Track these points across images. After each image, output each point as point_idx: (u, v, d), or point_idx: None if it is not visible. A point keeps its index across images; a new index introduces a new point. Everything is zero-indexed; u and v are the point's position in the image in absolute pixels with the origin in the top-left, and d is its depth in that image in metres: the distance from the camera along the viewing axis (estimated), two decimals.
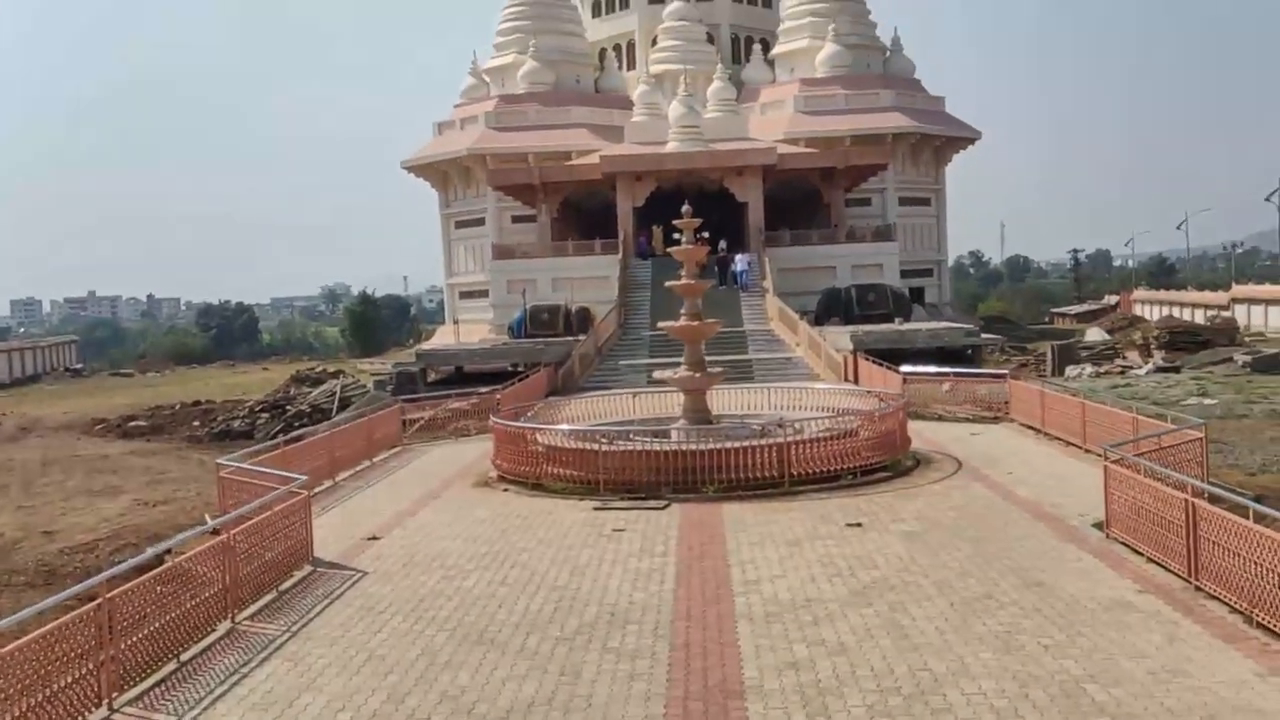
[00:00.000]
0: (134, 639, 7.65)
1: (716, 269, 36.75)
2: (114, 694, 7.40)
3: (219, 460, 14.08)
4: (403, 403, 22.78)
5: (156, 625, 7.90)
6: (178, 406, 36.74)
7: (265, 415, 31.65)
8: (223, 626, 9.00)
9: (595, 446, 14.76)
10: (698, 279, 18.26)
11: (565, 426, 16.51)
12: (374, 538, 12.50)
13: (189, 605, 8.41)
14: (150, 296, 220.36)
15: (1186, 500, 9.26)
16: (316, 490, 15.87)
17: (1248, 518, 8.37)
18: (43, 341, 74.95)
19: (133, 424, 34.00)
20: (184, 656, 8.30)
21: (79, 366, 67.57)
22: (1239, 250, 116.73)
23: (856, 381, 24.97)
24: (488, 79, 60.05)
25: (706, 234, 41.99)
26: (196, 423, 33.02)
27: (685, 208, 18.03)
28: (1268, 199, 68.89)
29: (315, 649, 8.51)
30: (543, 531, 12.47)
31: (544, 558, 11.14)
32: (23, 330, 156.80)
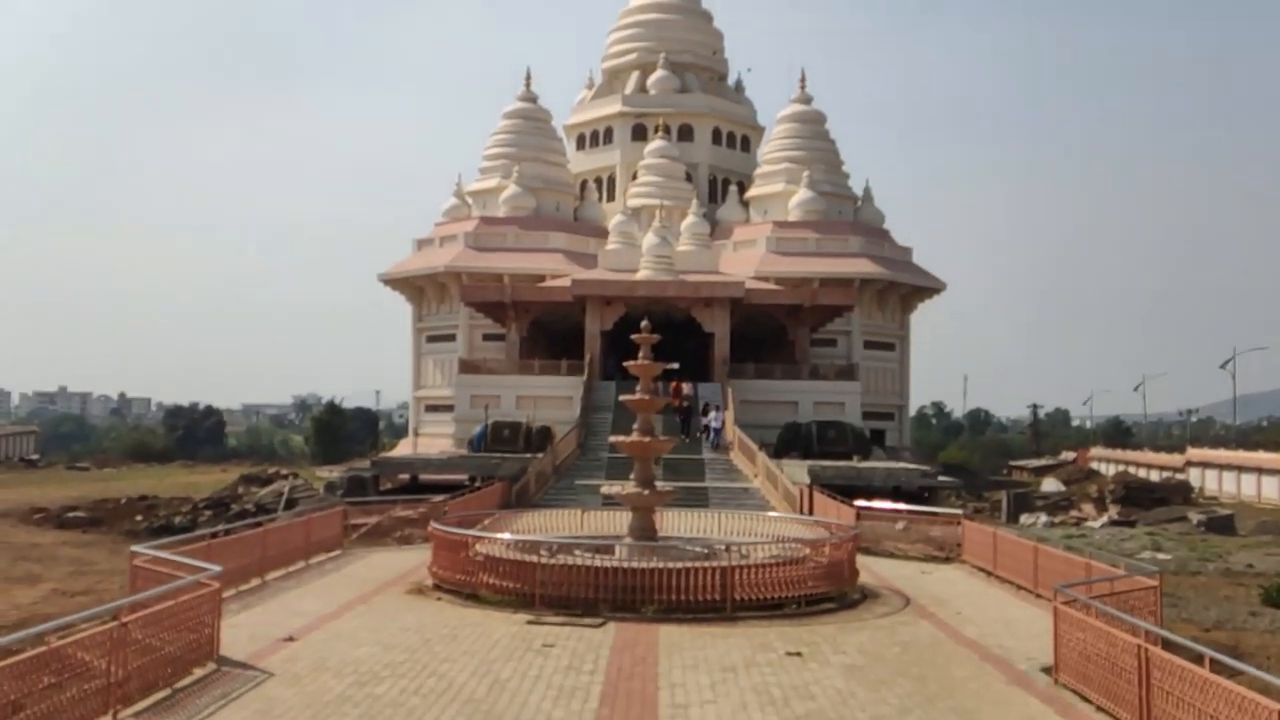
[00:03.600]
0: None
1: (679, 420, 35.45)
2: None
3: (133, 548, 13.45)
4: (346, 506, 22.17)
5: (25, 716, 7.26)
6: (122, 500, 35.87)
7: (209, 513, 30.85)
8: None
9: (533, 559, 14.29)
10: (653, 395, 18.12)
11: (505, 535, 16.02)
12: (290, 639, 11.88)
13: (67, 696, 7.77)
14: (122, 395, 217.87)
15: (1140, 646, 8.94)
16: (242, 588, 15.24)
17: (1204, 668, 8.03)
18: (1, 430, 73.82)
19: (71, 515, 33.00)
20: None
21: (35, 457, 66.33)
22: (1194, 418, 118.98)
23: (811, 514, 24.65)
24: (470, 200, 61.26)
25: (676, 365, 42.49)
26: (139, 517, 32.17)
27: (644, 323, 18.03)
28: (1222, 367, 70.54)
29: None
30: (469, 643, 11.91)
31: (465, 669, 10.58)
32: None
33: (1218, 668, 7.95)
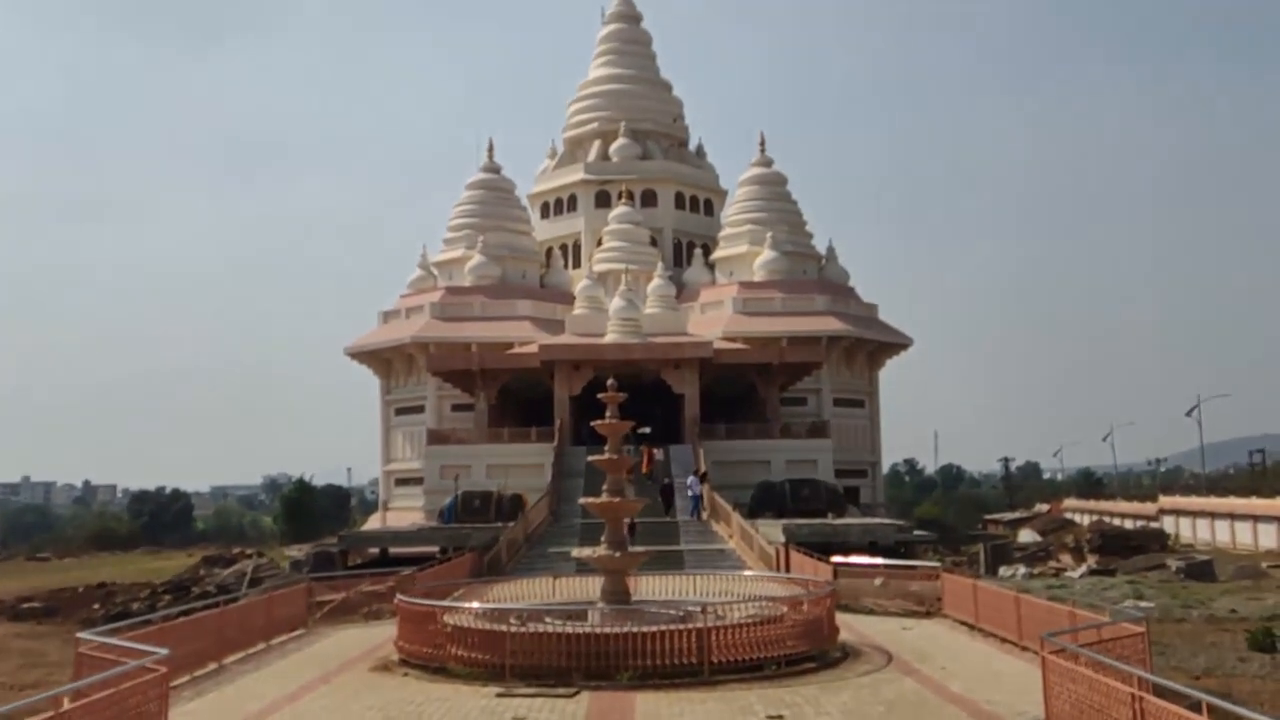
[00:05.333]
0: None
1: (660, 499, 33.24)
2: None
3: (79, 634, 12.79)
4: (310, 582, 21.44)
5: None
6: (80, 589, 34.85)
7: (169, 597, 29.95)
8: None
9: (503, 628, 13.75)
10: (621, 454, 17.76)
11: (473, 605, 15.47)
12: None
13: None
14: (86, 483, 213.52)
15: (1134, 695, 8.60)
16: (197, 673, 14.54)
17: (1203, 716, 7.66)
18: None
19: (26, 606, 31.95)
20: None
21: None
22: (1163, 467, 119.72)
23: (788, 572, 24.20)
24: (435, 271, 61.14)
25: (648, 429, 41.99)
26: (96, 605, 31.25)
27: (610, 382, 17.75)
28: (1188, 414, 71.13)
29: None
30: None
31: None
32: None
33: (1216, 715, 7.62)
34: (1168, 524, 52.79)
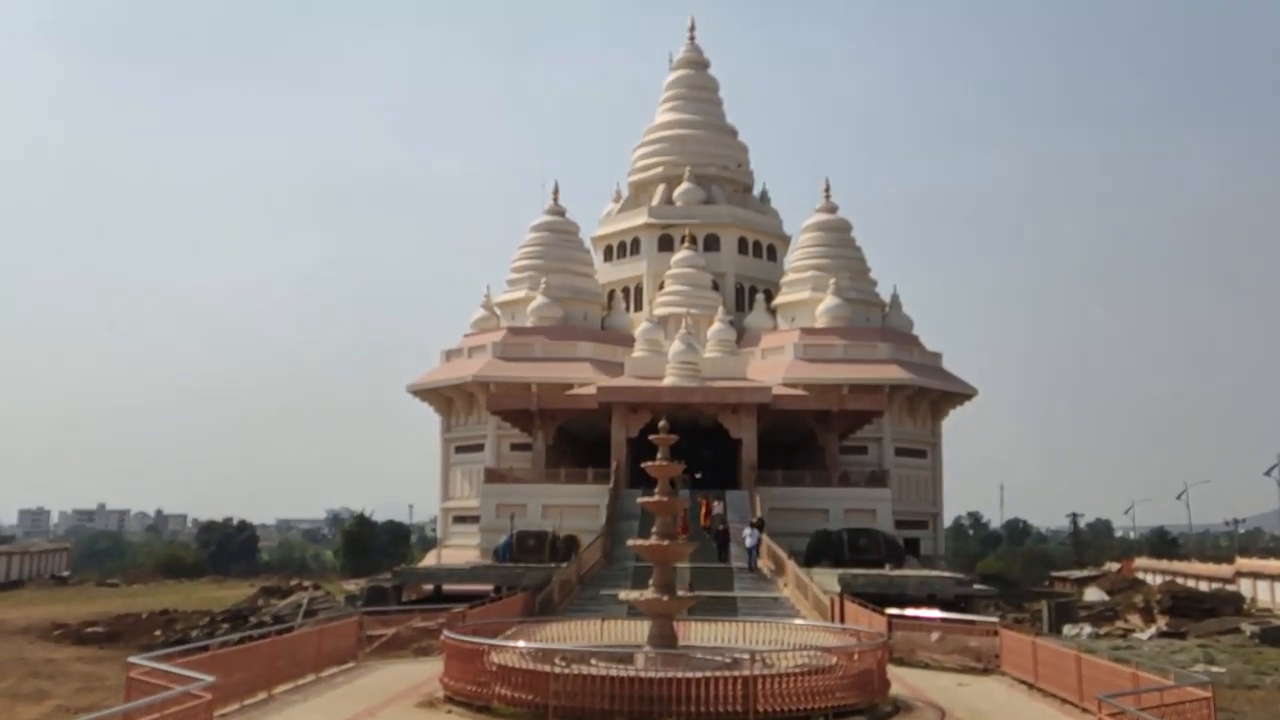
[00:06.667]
0: None
1: (715, 545, 33.03)
2: None
3: (130, 659, 13.04)
4: (363, 616, 21.62)
5: None
6: (144, 615, 35.52)
7: (226, 625, 30.41)
8: None
9: (547, 668, 13.69)
10: (672, 496, 17.66)
11: (519, 644, 15.43)
12: None
13: None
14: (159, 512, 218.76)
15: None
16: (247, 702, 14.72)
17: None
18: (34, 548, 74.94)
19: (90, 630, 32.70)
20: None
21: (66, 574, 66.66)
22: (1241, 528, 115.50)
23: (842, 622, 23.76)
24: (498, 311, 61.92)
25: (699, 474, 41.67)
26: (158, 632, 31.85)
27: (662, 424, 17.72)
28: (1267, 473, 68.71)
29: None
30: None
31: None
32: (26, 538, 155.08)
33: None
34: (1244, 587, 50.71)
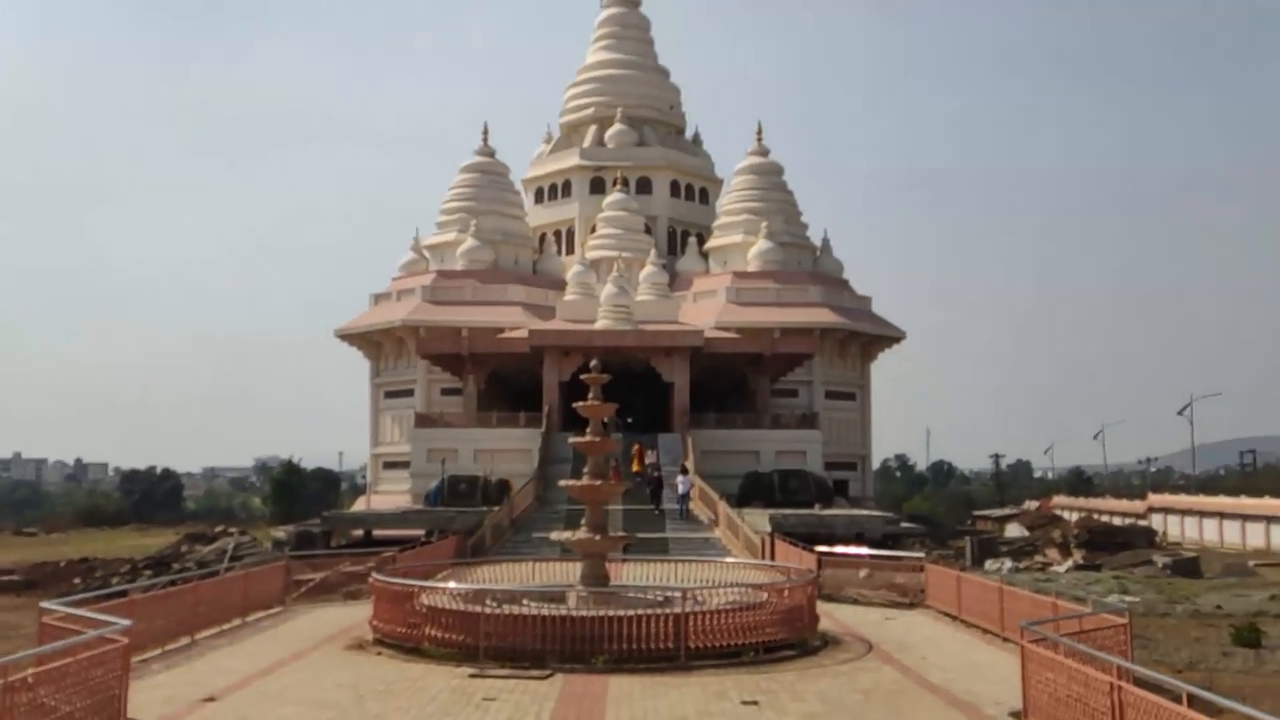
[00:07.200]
0: None
1: (649, 491, 32.73)
2: None
3: (43, 604, 12.60)
4: (290, 560, 21.25)
5: None
6: (62, 564, 34.57)
7: (149, 572, 29.73)
8: None
9: (478, 609, 13.56)
10: (604, 436, 17.55)
11: (449, 585, 15.28)
12: (210, 699, 11.06)
13: None
14: (78, 461, 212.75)
15: (1114, 684, 8.41)
16: (169, 647, 14.37)
17: (1183, 706, 7.44)
18: None
19: (5, 578, 31.72)
20: None
21: None
22: (1153, 467, 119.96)
23: (773, 561, 24.06)
24: (428, 254, 60.82)
25: (631, 419, 41.46)
26: (77, 579, 31.03)
27: (594, 363, 17.53)
28: (1180, 413, 71.19)
29: None
30: (404, 699, 11.15)
31: None
32: None
33: (1198, 705, 7.42)
34: (1156, 522, 52.82)
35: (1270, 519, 45.36)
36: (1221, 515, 49.44)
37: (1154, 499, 59.13)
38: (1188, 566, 30.10)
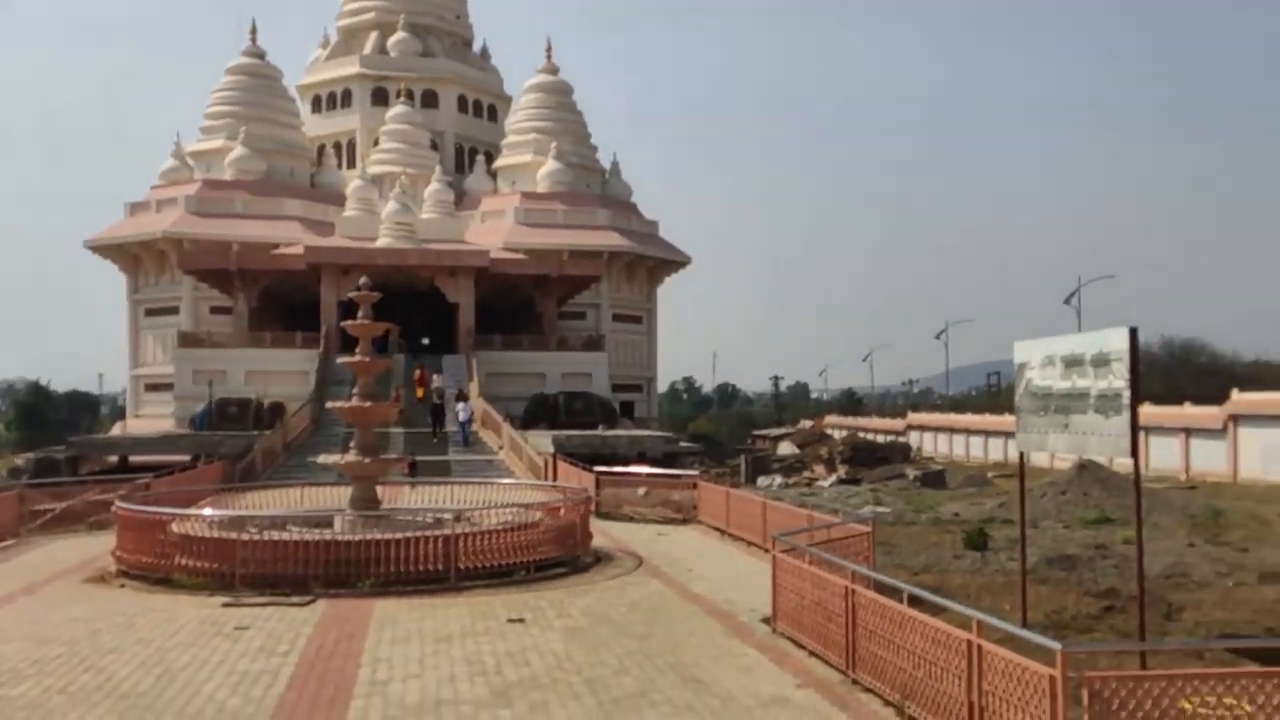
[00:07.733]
0: None
1: (430, 417, 31.97)
2: None
3: None
4: (25, 489, 19.53)
5: None
6: None
7: None
8: None
9: (235, 535, 12.89)
10: (374, 357, 16.96)
11: (203, 512, 14.45)
12: None
13: None
14: None
15: (847, 588, 8.94)
16: None
17: (903, 604, 8.03)
18: None
19: None
20: None
21: None
22: (915, 388, 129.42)
23: (554, 481, 24.27)
24: (191, 162, 56.47)
25: (424, 339, 40.27)
26: None
27: (363, 280, 16.83)
28: (937, 337, 76.71)
29: None
30: (146, 631, 10.47)
31: (132, 661, 9.21)
32: None
33: (917, 604, 7.99)
34: (914, 439, 57.09)
35: (1008, 434, 49.87)
36: (968, 432, 53.95)
37: (912, 418, 63.79)
38: (935, 479, 32.69)
